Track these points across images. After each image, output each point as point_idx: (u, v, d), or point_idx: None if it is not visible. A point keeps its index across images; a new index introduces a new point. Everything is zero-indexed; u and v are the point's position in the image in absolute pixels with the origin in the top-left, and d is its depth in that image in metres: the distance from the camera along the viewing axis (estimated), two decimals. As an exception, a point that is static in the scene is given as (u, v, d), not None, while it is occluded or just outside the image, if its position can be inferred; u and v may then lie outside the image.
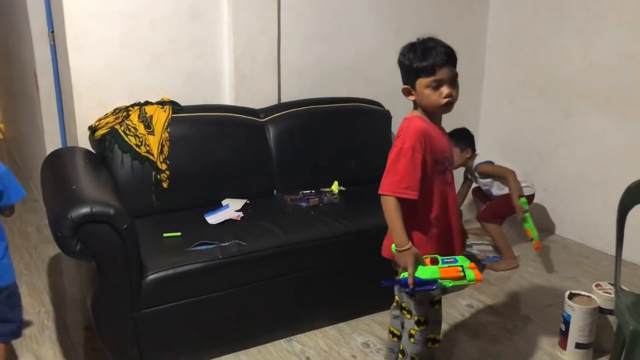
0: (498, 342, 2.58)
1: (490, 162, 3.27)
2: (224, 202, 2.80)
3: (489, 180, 3.33)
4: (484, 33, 3.98)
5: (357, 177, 3.15)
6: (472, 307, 2.88)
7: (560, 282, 3.14)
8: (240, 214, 2.68)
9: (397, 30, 3.58)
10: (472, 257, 3.31)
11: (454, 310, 2.85)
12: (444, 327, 2.68)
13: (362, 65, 3.50)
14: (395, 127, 3.44)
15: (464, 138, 3.32)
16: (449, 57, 1.83)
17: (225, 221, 2.61)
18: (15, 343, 2.51)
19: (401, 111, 3.58)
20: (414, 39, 3.79)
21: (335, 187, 3.02)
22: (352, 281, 2.66)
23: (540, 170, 3.81)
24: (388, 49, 3.58)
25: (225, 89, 3.12)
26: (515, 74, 3.90)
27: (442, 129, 1.97)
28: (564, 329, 2.44)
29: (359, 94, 3.41)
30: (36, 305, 2.82)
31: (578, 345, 2.40)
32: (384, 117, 3.36)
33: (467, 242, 3.38)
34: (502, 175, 3.23)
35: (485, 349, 2.53)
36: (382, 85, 3.58)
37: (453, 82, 1.85)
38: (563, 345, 2.45)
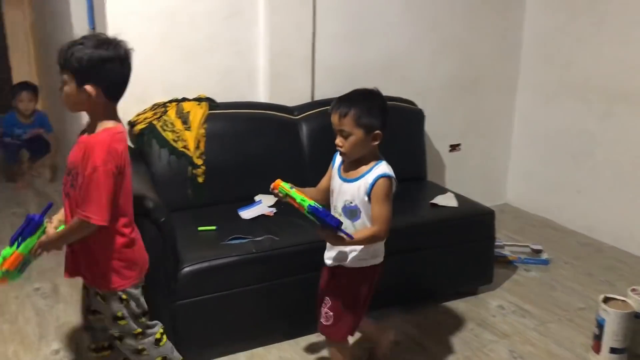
0: (529, 344, 2.57)
1: None
2: (256, 198, 2.84)
3: None
4: (519, 32, 3.93)
5: (389, 176, 3.16)
6: (502, 308, 2.86)
7: (594, 285, 3.10)
8: (273, 209, 2.72)
9: (431, 29, 3.57)
10: (504, 259, 3.30)
11: (485, 310, 2.84)
12: (472, 326, 2.68)
13: (396, 64, 3.51)
14: (429, 126, 3.45)
15: None
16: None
17: (259, 216, 2.66)
18: (55, 330, 2.60)
19: (435, 110, 3.61)
20: (448, 38, 3.80)
21: (367, 185, 3.03)
22: (381, 278, 2.66)
23: (574, 172, 3.76)
24: (422, 47, 3.59)
25: (260, 87, 3.16)
26: (551, 74, 3.85)
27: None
28: (597, 333, 2.41)
29: (392, 92, 3.40)
30: (74, 294, 2.90)
31: (613, 350, 2.38)
32: (417, 116, 3.36)
33: (499, 243, 3.35)
34: None
35: (516, 350, 2.52)
36: (416, 83, 3.58)
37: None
38: (597, 349, 2.43)
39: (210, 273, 2.27)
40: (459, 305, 2.87)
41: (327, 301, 2.05)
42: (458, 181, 3.80)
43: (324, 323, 2.06)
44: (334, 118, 1.94)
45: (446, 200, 2.90)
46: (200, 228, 2.50)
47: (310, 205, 1.82)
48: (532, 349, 2.53)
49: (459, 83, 3.78)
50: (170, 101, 2.83)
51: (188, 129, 2.74)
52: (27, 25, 6.66)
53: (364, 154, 1.98)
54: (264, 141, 2.95)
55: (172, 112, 2.76)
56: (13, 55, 7.14)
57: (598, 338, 2.41)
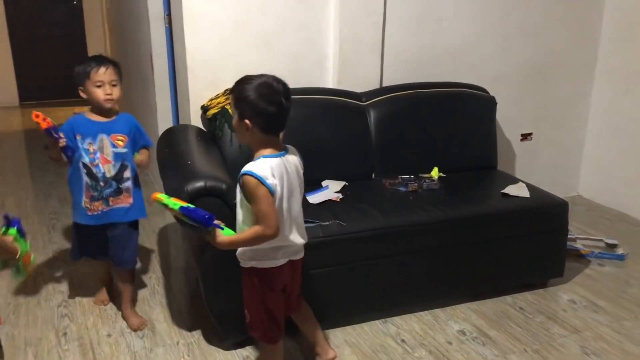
0: (602, 341, 2.48)
1: None
2: (323, 183, 2.86)
3: None
4: (599, 17, 3.76)
5: (458, 164, 3.11)
6: (574, 303, 2.77)
7: (673, 283, 2.96)
8: (340, 195, 2.73)
9: (505, 14, 3.46)
10: (576, 252, 3.19)
11: (555, 304, 2.76)
12: (541, 319, 2.62)
13: (467, 50, 3.43)
14: (500, 114, 3.37)
15: None
16: None
17: (325, 201, 2.68)
18: (118, 302, 2.72)
19: (507, 98, 3.51)
20: (522, 23, 3.67)
21: (435, 173, 3.00)
22: (448, 268, 2.64)
23: (656, 164, 3.58)
24: (495, 33, 3.49)
25: (329, 72, 3.16)
26: (632, 61, 3.66)
27: None
28: (677, 333, 2.31)
29: (463, 79, 3.34)
30: (147, 272, 3.03)
31: (693, 351, 2.27)
32: (489, 103, 3.28)
33: (571, 236, 3.24)
34: None
35: (588, 347, 2.44)
36: (488, 70, 3.50)
37: None
38: (675, 349, 2.32)
39: (279, 255, 2.30)
40: (527, 297, 2.81)
41: None
42: (529, 171, 3.69)
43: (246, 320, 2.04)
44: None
45: (518, 190, 2.83)
46: (269, 211, 2.54)
47: (181, 207, 1.82)
48: (606, 346, 2.44)
49: (533, 70, 3.66)
50: (242, 86, 2.87)
51: (258, 113, 2.78)
52: (103, 12, 6.92)
53: (248, 144, 1.92)
54: (331, 127, 2.96)
55: (243, 97, 2.81)
56: (89, 41, 7.46)
57: (678, 338, 2.31)
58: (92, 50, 7.33)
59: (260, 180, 1.80)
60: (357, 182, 2.92)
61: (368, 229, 2.46)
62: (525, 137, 3.79)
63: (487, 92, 3.31)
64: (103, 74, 2.34)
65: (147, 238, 3.43)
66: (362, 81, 3.16)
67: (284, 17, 2.99)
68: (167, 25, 3.53)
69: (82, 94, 2.40)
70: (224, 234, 1.88)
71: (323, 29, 3.09)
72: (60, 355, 2.37)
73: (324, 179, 2.90)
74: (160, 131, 3.18)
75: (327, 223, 2.45)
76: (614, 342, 2.48)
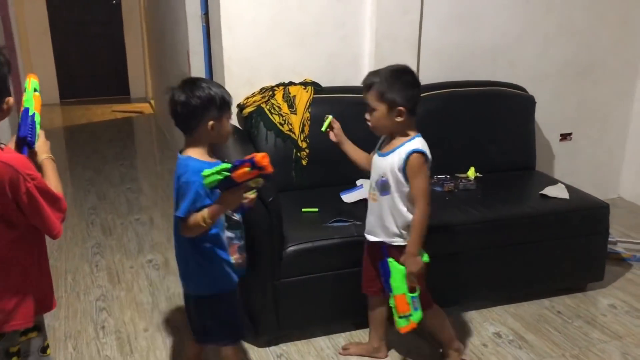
0: (644, 347, 2.41)
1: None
2: (358, 182, 2.85)
3: None
4: (643, 14, 3.65)
5: (495, 164, 3.07)
6: (614, 308, 2.70)
7: None
8: (375, 194, 2.72)
9: (546, 11, 3.39)
10: (617, 255, 3.11)
11: (594, 308, 2.70)
12: (580, 324, 2.56)
13: (506, 48, 3.37)
14: (539, 114, 3.30)
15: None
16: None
17: (360, 200, 2.66)
18: (166, 300, 2.76)
19: (546, 97, 3.44)
20: (564, 21, 3.59)
21: (471, 173, 2.95)
22: (485, 269, 2.60)
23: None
24: (535, 31, 3.42)
25: (365, 71, 3.09)
26: (678, 59, 3.55)
27: None
28: None
29: (502, 77, 3.29)
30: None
31: None
32: (528, 102, 3.21)
33: (612, 239, 3.15)
34: None
35: (630, 353, 2.38)
36: (527, 69, 3.43)
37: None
38: None
39: (313, 253, 2.31)
40: (565, 301, 2.75)
41: None
42: (568, 172, 3.61)
43: None
44: (363, 93, 2.00)
45: (557, 191, 2.77)
46: (304, 210, 2.55)
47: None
48: (648, 353, 2.38)
49: (573, 69, 3.58)
50: (278, 85, 2.89)
51: (294, 112, 2.79)
52: (142, 11, 7.03)
53: (394, 130, 2.00)
54: (366, 126, 2.93)
55: (279, 96, 2.82)
56: (127, 40, 7.58)
57: None
58: (130, 49, 7.48)
59: (427, 158, 1.96)
60: (392, 181, 2.89)
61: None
62: (564, 137, 3.71)
63: (526, 92, 3.25)
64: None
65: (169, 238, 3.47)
66: (398, 80, 3.13)
67: (321, 15, 2.98)
68: (204, 23, 3.57)
69: (208, 127, 1.77)
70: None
71: (359, 27, 3.07)
72: (99, 347, 2.42)
73: (359, 178, 2.88)
74: (197, 129, 3.21)
75: (361, 223, 2.43)
76: (656, 349, 2.41)
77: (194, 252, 1.81)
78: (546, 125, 3.57)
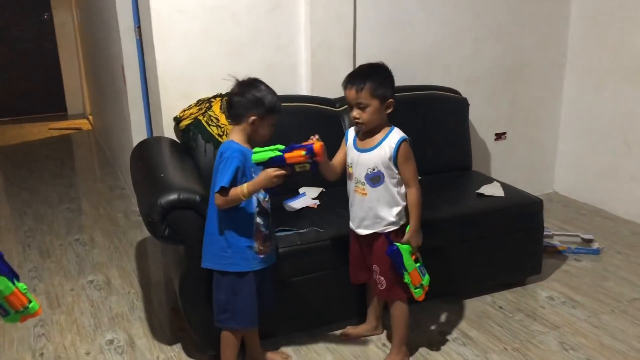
0: (580, 335, 2.51)
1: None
2: (301, 190, 2.86)
3: None
4: (566, 14, 3.81)
5: (433, 166, 3.12)
6: (552, 299, 2.80)
7: (648, 275, 3.01)
8: (317, 201, 2.73)
9: (474, 17, 3.50)
10: (553, 249, 3.23)
11: (533, 301, 2.79)
12: (521, 317, 2.64)
13: (438, 53, 3.46)
14: (473, 115, 3.40)
15: None
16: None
17: (303, 208, 2.67)
18: (109, 320, 2.69)
19: (480, 99, 3.55)
20: (492, 25, 3.71)
21: (411, 175, 3.01)
22: (427, 270, 2.64)
23: (628, 159, 3.64)
24: (465, 35, 3.53)
25: (302, 79, 3.17)
26: (600, 58, 3.72)
27: None
28: (652, 324, 2.34)
29: (436, 82, 3.37)
30: (126, 287, 3.00)
31: (668, 342, 2.30)
32: (461, 105, 3.31)
33: (548, 233, 3.27)
34: None
35: (566, 342, 2.47)
36: (459, 72, 3.53)
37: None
38: (652, 341, 2.36)
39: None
40: (506, 296, 2.83)
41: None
42: (504, 170, 3.73)
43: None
44: (351, 93, 2.12)
45: (493, 189, 2.86)
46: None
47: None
48: (584, 341, 2.47)
49: (504, 70, 3.71)
50: (215, 96, 2.87)
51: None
52: (75, 26, 6.86)
53: (381, 123, 2.16)
54: (306, 133, 2.93)
55: (216, 107, 2.80)
56: (62, 55, 7.38)
57: (654, 330, 2.34)
58: (65, 64, 7.28)
59: (411, 143, 2.15)
60: (334, 188, 2.90)
61: (345, 234, 2.45)
62: (499, 136, 3.83)
63: (459, 94, 3.34)
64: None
65: (125, 252, 3.39)
66: (336, 87, 3.10)
67: (255, 26, 2.99)
68: (137, 37, 3.50)
69: (249, 121, 2.06)
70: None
71: (294, 36, 3.09)
72: (38, 375, 2.33)
73: (301, 186, 2.89)
74: (135, 144, 3.15)
75: (305, 230, 2.44)
76: (591, 336, 2.51)
77: (228, 223, 2.02)
78: (481, 125, 3.68)
